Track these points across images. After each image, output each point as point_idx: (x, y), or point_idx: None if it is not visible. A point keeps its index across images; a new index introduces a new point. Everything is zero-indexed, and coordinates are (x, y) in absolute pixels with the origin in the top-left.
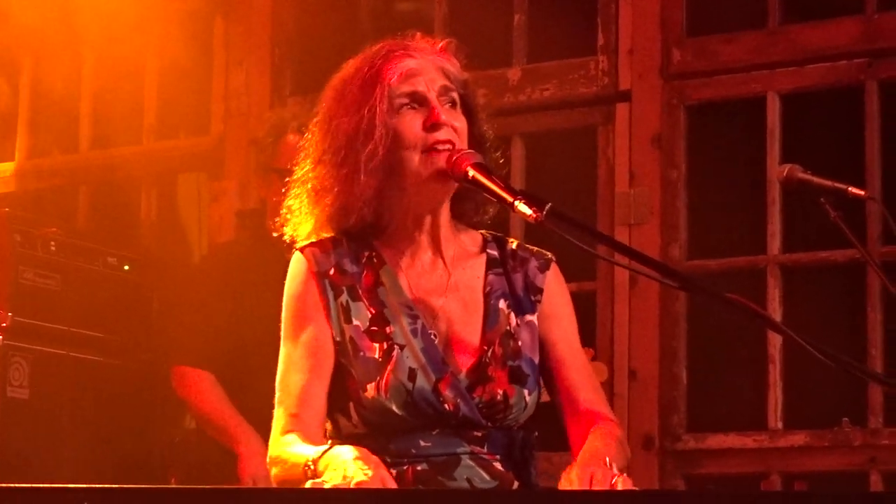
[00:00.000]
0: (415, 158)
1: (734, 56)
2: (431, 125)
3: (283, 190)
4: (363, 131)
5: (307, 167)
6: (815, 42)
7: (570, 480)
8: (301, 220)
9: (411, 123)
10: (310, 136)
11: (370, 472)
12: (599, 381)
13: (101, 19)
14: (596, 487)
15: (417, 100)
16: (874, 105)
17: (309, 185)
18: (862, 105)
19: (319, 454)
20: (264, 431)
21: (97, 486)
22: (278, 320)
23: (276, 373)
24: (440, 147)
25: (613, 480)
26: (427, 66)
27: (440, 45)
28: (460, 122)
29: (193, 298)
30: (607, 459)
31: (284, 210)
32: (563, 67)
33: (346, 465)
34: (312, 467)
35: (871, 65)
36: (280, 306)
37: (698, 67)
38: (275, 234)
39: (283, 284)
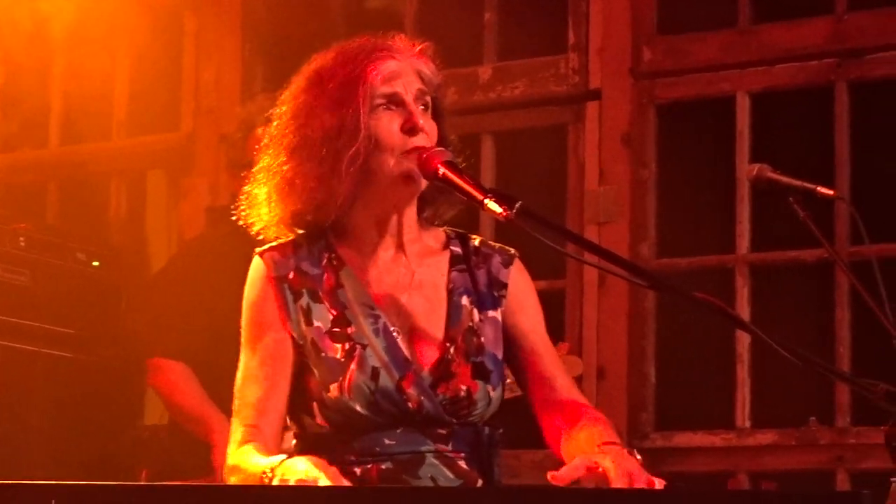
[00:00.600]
0: (390, 161)
1: (704, 55)
2: (410, 129)
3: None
4: (346, 131)
5: (279, 158)
6: (785, 42)
7: (605, 469)
8: (265, 211)
9: (389, 125)
10: (279, 126)
11: (329, 476)
12: (575, 375)
13: (72, 14)
14: (637, 484)
15: (395, 101)
16: (843, 105)
17: (278, 178)
18: (831, 105)
19: (277, 463)
20: None
21: (66, 482)
22: None
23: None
24: (414, 154)
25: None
26: (406, 68)
27: (419, 47)
28: (432, 127)
29: (168, 291)
30: (635, 452)
31: (245, 197)
32: (534, 66)
33: (303, 471)
34: (270, 475)
35: (840, 65)
36: None
37: (668, 66)
38: (247, 228)
39: None
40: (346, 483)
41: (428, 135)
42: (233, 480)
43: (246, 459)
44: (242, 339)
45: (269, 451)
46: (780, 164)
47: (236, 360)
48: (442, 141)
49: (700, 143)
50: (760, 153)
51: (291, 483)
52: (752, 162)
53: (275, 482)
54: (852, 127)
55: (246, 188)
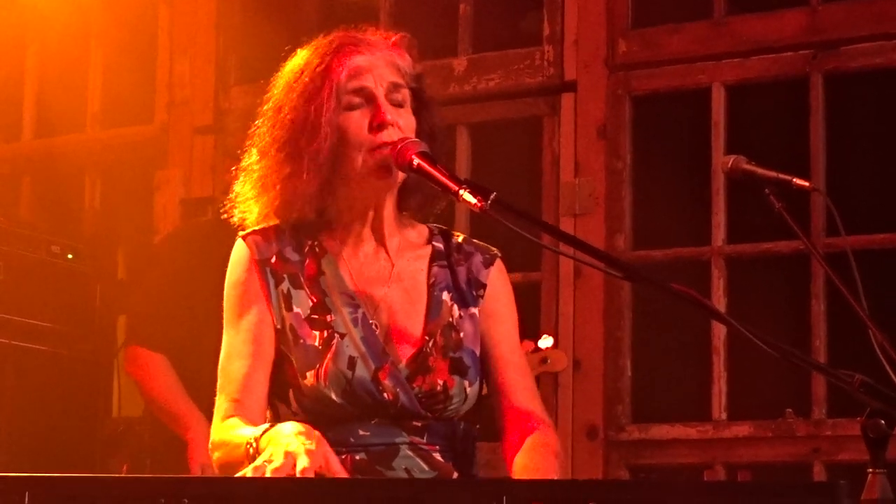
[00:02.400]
0: (358, 158)
1: (679, 47)
2: (377, 125)
3: None
4: (309, 128)
5: (253, 156)
6: (760, 33)
7: None
8: (248, 207)
9: (358, 122)
10: (259, 124)
11: (312, 447)
12: (559, 370)
13: (45, 6)
14: None
15: (365, 96)
16: (819, 97)
17: (254, 176)
18: (806, 97)
19: (261, 433)
20: None
21: (40, 475)
22: None
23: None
24: (384, 149)
25: None
26: (377, 62)
27: (393, 39)
28: (406, 120)
29: (150, 280)
30: None
31: (232, 194)
32: (509, 57)
33: (287, 441)
34: (255, 445)
35: (815, 56)
36: None
37: (643, 58)
38: (227, 219)
39: None
40: (329, 451)
41: (401, 129)
42: (216, 456)
43: (229, 433)
44: (225, 319)
45: (253, 425)
46: (755, 156)
47: (215, 354)
48: (424, 131)
49: (675, 134)
50: (736, 145)
51: (268, 470)
52: (728, 153)
53: (260, 455)
54: (828, 118)
55: (235, 186)
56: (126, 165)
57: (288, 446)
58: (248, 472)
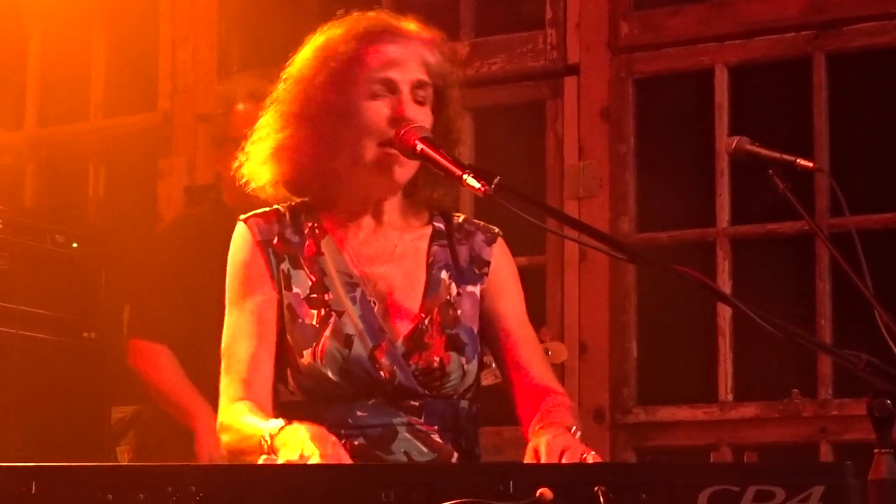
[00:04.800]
0: (372, 147)
1: (681, 29)
2: (395, 120)
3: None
4: (343, 111)
5: (279, 122)
6: (762, 14)
7: (538, 450)
8: (262, 169)
9: (378, 112)
10: (284, 89)
11: (328, 452)
12: (560, 361)
13: None
14: (566, 460)
15: (390, 88)
16: (821, 77)
17: (277, 142)
18: (809, 77)
19: (277, 430)
20: None
21: (47, 464)
22: None
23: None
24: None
25: (584, 455)
26: (409, 55)
27: (429, 35)
28: (424, 119)
29: (151, 271)
30: (573, 429)
31: (248, 144)
32: (512, 41)
33: (302, 443)
34: (269, 442)
35: (818, 37)
36: None
37: (646, 40)
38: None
39: None
40: (343, 453)
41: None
42: (225, 438)
43: (239, 419)
44: (228, 300)
45: (262, 408)
46: (758, 137)
47: (218, 343)
48: (441, 130)
49: (679, 116)
50: (739, 126)
51: (279, 461)
52: (731, 135)
53: (276, 455)
54: (831, 98)
55: (250, 138)
56: (129, 154)
57: (304, 450)
58: None
